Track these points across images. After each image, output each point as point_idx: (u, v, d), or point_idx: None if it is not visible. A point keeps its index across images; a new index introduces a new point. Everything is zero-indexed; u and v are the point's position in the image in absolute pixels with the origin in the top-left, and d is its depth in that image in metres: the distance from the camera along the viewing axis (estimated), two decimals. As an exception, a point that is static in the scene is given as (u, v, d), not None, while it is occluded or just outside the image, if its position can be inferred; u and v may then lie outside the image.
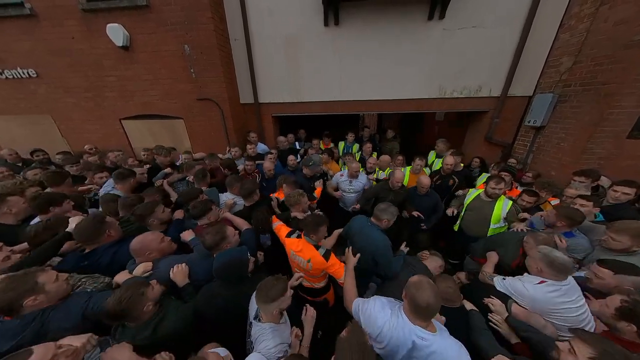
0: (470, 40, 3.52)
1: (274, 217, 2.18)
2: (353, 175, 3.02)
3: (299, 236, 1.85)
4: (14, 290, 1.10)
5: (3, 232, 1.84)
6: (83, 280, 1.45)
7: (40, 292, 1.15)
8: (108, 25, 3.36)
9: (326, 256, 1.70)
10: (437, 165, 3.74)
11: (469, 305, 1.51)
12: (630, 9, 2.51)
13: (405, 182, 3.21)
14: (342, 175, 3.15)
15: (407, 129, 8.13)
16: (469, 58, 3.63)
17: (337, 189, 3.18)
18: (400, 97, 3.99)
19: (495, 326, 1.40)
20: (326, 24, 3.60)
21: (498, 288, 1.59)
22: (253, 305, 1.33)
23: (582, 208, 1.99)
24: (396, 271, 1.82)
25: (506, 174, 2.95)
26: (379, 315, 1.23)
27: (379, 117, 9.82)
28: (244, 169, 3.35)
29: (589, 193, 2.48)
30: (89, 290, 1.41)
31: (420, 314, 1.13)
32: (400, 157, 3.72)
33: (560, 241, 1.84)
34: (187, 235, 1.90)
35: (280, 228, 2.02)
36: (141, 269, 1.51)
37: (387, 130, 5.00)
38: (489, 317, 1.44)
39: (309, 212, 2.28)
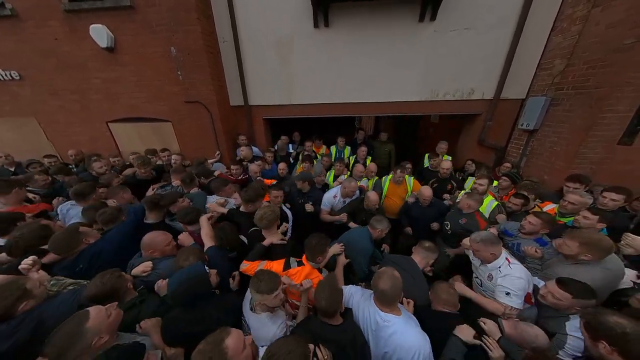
0: (462, 42, 3.46)
1: (248, 264, 1.74)
2: (349, 195, 2.72)
3: (300, 263, 1.66)
4: (9, 297, 1.19)
5: None
6: (69, 288, 1.46)
7: (30, 297, 1.25)
8: (91, 26, 3.27)
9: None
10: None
11: (464, 333, 1.35)
12: (622, 12, 2.47)
13: (385, 192, 3.14)
14: (335, 196, 2.78)
15: (404, 130, 8.08)
16: (461, 60, 3.58)
17: (331, 212, 2.83)
18: (392, 100, 3.93)
19: (487, 349, 1.29)
20: (316, 25, 3.53)
21: (516, 306, 1.51)
22: (248, 296, 1.45)
23: (585, 221, 1.89)
24: (360, 277, 2.00)
25: (505, 178, 2.95)
26: (354, 298, 1.48)
27: (375, 118, 9.77)
28: (230, 173, 3.28)
29: (590, 200, 2.39)
30: None
31: (379, 298, 1.33)
32: (399, 172, 3.08)
33: (536, 251, 1.84)
34: (186, 241, 1.91)
35: (272, 266, 1.66)
36: (140, 268, 1.59)
37: (381, 133, 4.93)
38: (482, 339, 1.32)
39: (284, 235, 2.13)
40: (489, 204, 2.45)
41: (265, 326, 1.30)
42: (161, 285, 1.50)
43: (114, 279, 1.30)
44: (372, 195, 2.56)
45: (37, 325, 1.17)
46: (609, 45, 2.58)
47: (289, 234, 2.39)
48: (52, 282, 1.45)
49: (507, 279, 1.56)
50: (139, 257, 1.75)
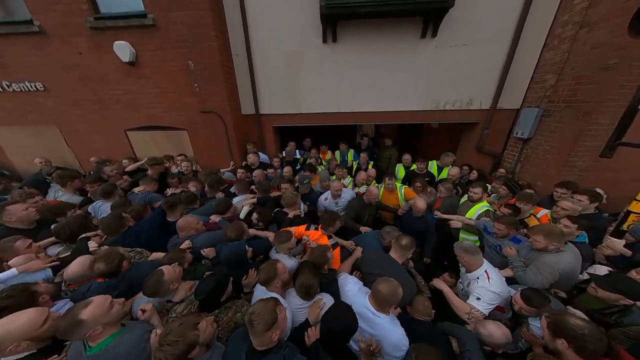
0: (461, 57, 3.72)
1: (295, 229, 2.35)
2: (335, 195, 2.98)
3: (316, 228, 2.33)
4: (116, 258, 1.64)
5: (19, 234, 2.03)
6: (130, 254, 1.98)
7: (126, 259, 1.75)
8: (115, 42, 3.49)
9: (334, 247, 2.14)
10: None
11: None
12: (606, 35, 2.72)
13: (379, 199, 3.30)
14: (326, 199, 3.10)
15: (406, 135, 8.31)
16: (460, 73, 3.83)
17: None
18: (396, 109, 4.18)
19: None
20: (324, 40, 3.77)
21: (482, 310, 1.64)
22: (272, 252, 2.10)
23: (566, 229, 2.02)
24: None
25: (504, 187, 2.96)
26: (349, 286, 1.72)
27: (376, 125, 9.98)
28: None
29: (580, 207, 2.59)
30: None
31: (376, 299, 1.48)
32: (388, 180, 3.27)
33: (510, 249, 2.06)
34: (215, 218, 2.52)
35: (299, 227, 2.38)
36: (185, 245, 2.07)
37: (385, 138, 5.17)
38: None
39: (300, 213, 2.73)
40: (479, 208, 2.67)
41: (285, 260, 1.85)
42: (207, 252, 2.05)
43: (180, 258, 1.82)
44: (373, 189, 2.85)
45: (130, 283, 1.65)
46: (594, 64, 2.84)
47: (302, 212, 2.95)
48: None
49: (482, 289, 1.69)
50: (176, 238, 2.22)
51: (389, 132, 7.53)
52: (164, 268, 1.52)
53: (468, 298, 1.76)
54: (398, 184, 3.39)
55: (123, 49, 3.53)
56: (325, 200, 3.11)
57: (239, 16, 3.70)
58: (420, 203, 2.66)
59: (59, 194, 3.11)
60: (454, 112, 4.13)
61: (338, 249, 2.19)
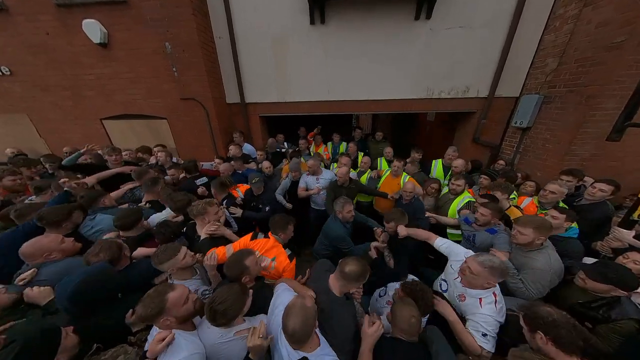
0: (457, 40, 3.50)
1: (235, 243, 1.85)
2: (314, 173, 3.08)
3: (266, 236, 1.86)
4: None
5: None
6: None
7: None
8: (84, 21, 3.22)
9: (290, 258, 1.76)
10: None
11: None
12: (612, 11, 2.52)
13: (379, 185, 3.22)
14: (308, 174, 3.16)
15: (401, 129, 8.13)
16: (456, 58, 3.61)
17: (307, 189, 3.13)
18: (388, 98, 3.96)
19: None
20: (312, 22, 3.53)
21: (491, 350, 1.31)
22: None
23: (554, 221, 1.86)
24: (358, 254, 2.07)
25: (485, 177, 2.95)
26: (281, 299, 1.33)
27: (373, 117, 9.81)
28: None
29: (566, 190, 2.41)
30: None
31: (289, 339, 1.07)
32: (396, 162, 3.14)
33: (502, 254, 1.76)
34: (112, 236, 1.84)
35: (241, 240, 1.84)
36: (22, 277, 1.41)
37: (376, 133, 4.98)
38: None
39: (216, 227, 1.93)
40: (462, 199, 2.51)
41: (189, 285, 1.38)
42: (31, 295, 1.29)
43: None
44: (340, 169, 2.84)
45: None
46: (599, 43, 2.63)
47: (234, 226, 2.43)
48: None
49: (487, 319, 1.33)
50: (27, 266, 1.51)
51: (383, 124, 7.31)
52: None
53: (467, 324, 1.38)
54: (403, 174, 3.20)
55: (93, 29, 3.25)
56: (308, 175, 3.14)
57: (219, -6, 3.44)
58: (409, 184, 2.64)
59: None
60: (449, 101, 3.92)
61: (294, 261, 1.77)
